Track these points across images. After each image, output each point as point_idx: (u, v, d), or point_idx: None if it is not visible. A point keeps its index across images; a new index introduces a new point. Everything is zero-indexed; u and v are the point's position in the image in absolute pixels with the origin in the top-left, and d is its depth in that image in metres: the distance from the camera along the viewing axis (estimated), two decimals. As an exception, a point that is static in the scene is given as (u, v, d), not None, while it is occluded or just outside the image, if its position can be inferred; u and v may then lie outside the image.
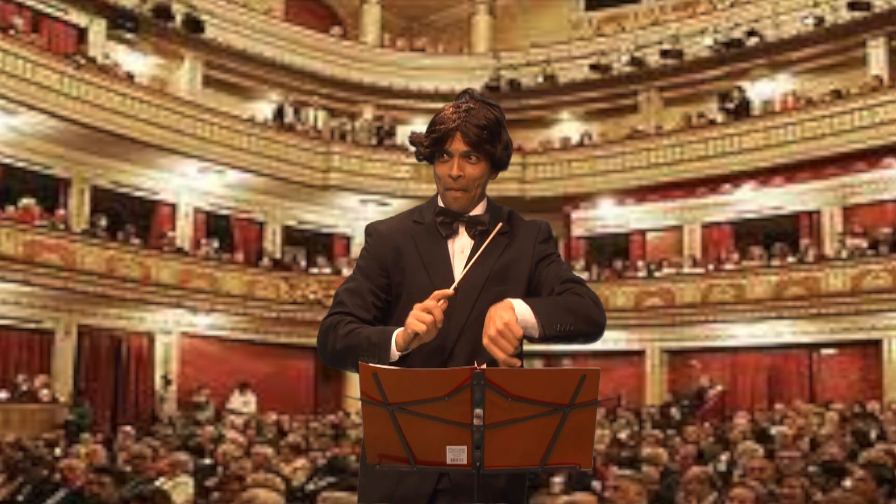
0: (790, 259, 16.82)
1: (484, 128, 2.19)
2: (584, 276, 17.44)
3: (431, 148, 2.24)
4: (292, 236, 19.90)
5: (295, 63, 19.73)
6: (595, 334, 2.15)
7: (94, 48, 16.69)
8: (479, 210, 2.29)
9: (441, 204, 2.30)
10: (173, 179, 17.75)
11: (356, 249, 20.07)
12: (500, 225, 2.23)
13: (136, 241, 16.47)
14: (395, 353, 2.08)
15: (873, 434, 10.14)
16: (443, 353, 2.17)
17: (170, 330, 17.21)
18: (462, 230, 2.28)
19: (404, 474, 2.08)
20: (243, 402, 16.99)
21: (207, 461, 8.82)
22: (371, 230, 2.34)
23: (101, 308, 16.04)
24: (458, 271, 2.22)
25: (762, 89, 18.69)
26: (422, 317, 2.00)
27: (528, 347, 2.21)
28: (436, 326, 2.01)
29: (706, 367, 17.54)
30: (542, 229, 2.33)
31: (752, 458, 7.16)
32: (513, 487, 2.19)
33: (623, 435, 11.60)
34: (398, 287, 2.25)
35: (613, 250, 19.59)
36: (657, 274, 18.03)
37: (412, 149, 2.34)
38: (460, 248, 2.27)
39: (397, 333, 2.08)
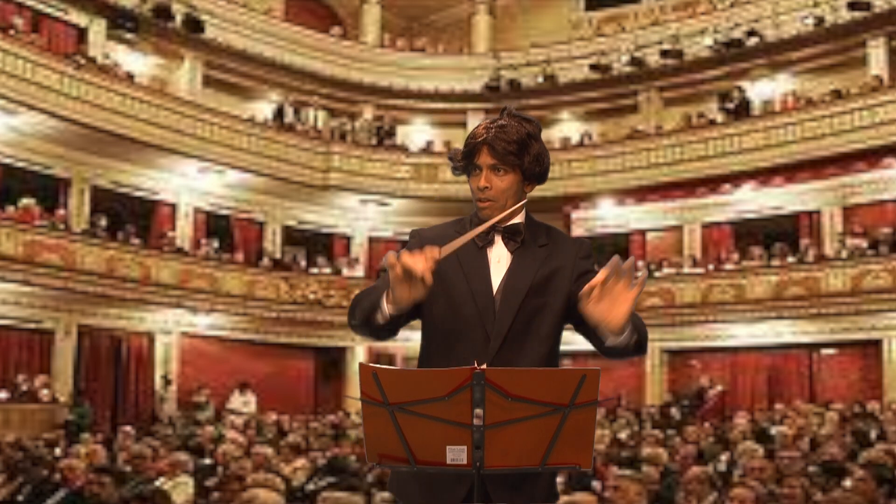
0: (790, 259, 16.81)
1: (512, 142, 2.23)
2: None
3: (464, 162, 2.30)
4: (292, 236, 19.88)
5: (295, 63, 19.71)
6: (643, 353, 2.36)
7: (94, 48, 16.68)
8: (515, 221, 2.31)
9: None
10: (173, 179, 17.74)
11: (356, 249, 20.06)
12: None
13: (136, 241, 16.47)
14: (386, 308, 2.13)
15: (873, 434, 10.13)
16: (486, 359, 2.16)
17: (170, 330, 17.21)
18: (498, 240, 2.30)
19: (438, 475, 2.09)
20: (243, 402, 16.98)
21: (207, 461, 8.81)
22: (415, 234, 2.38)
23: (101, 308, 16.04)
24: (496, 280, 2.25)
25: (762, 89, 18.67)
26: (403, 259, 2.02)
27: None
28: (407, 275, 2.01)
29: (706, 367, 17.54)
30: (583, 245, 2.37)
31: (752, 458, 7.15)
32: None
33: (623, 435, 11.58)
34: (436, 295, 2.19)
35: (613, 250, 19.41)
36: (657, 274, 18.01)
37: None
38: (496, 258, 2.29)
39: (387, 291, 2.13)
